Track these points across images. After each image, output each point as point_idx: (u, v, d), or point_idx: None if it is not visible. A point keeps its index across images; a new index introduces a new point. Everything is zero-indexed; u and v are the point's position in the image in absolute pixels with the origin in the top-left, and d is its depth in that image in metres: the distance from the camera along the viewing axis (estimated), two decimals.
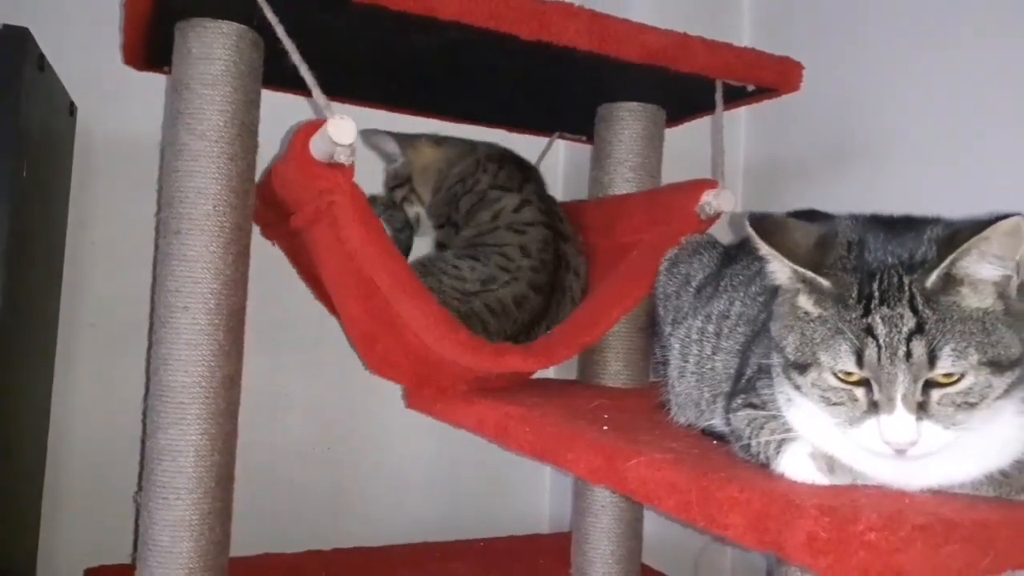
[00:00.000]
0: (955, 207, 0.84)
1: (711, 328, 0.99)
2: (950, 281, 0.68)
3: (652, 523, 1.51)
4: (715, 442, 0.94)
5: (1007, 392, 0.67)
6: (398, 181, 1.60)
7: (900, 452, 0.67)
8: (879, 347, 0.67)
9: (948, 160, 1.31)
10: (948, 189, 1.30)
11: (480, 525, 1.78)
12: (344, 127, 0.98)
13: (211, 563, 1.15)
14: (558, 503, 1.88)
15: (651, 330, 1.18)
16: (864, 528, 0.62)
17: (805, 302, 0.73)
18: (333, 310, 1.36)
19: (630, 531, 1.44)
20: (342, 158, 1.01)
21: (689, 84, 1.34)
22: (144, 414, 1.19)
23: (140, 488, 1.18)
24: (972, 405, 0.66)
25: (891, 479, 0.72)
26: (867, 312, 0.68)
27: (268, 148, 1.30)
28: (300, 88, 1.06)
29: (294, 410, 1.69)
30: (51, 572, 1.45)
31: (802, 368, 0.71)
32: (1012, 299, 0.69)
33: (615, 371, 1.46)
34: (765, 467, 0.78)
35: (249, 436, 1.58)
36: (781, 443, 0.76)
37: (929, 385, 0.67)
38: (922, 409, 0.67)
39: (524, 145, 1.75)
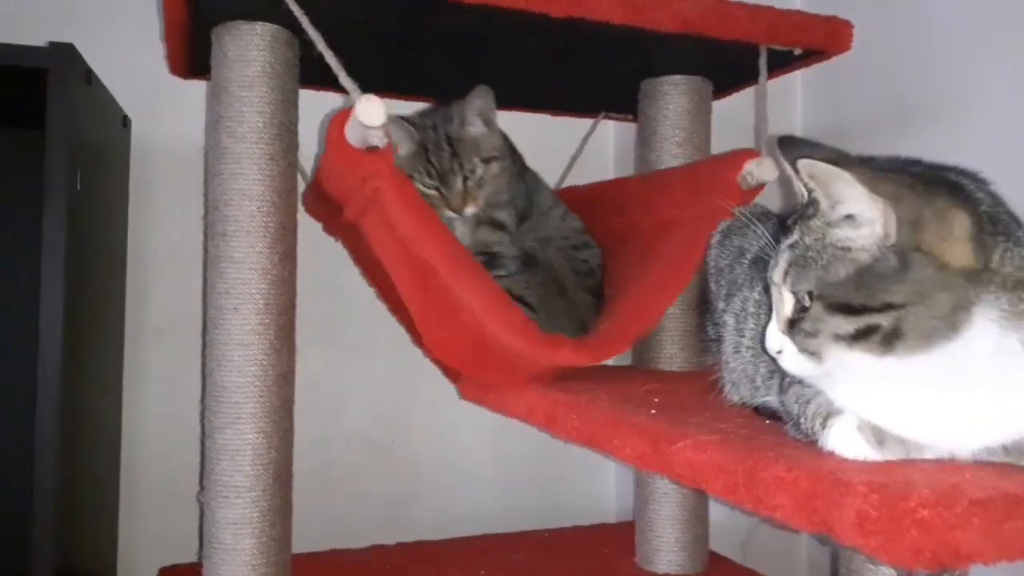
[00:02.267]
0: None
1: (768, 300, 0.95)
2: (828, 220, 0.70)
3: (719, 509, 1.47)
4: (767, 421, 0.90)
5: (857, 339, 0.66)
6: None
7: (777, 360, 0.73)
8: (774, 256, 0.74)
9: (1019, 121, 1.22)
10: (1020, 151, 1.22)
11: (545, 516, 1.76)
12: (372, 109, 0.97)
13: (273, 559, 1.18)
14: (624, 491, 1.85)
15: (703, 307, 1.14)
16: (916, 504, 0.57)
17: None
18: (394, 307, 1.35)
19: (694, 518, 1.41)
20: (375, 141, 1.00)
21: (733, 52, 1.29)
22: (202, 415, 1.22)
23: (202, 487, 1.21)
24: (809, 334, 0.69)
25: (940, 443, 0.68)
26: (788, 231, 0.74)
27: (310, 147, 1.32)
28: (338, 85, 1.06)
29: (355, 406, 1.70)
30: (130, 572, 1.50)
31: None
32: (886, 252, 0.66)
33: (670, 354, 1.43)
34: (814, 444, 0.74)
35: (311, 433, 1.62)
36: (827, 417, 0.72)
37: (802, 307, 0.70)
38: (791, 327, 0.71)
39: (569, 128, 1.73)
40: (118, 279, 1.52)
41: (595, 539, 1.61)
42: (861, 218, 0.67)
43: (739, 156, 1.19)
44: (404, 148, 1.30)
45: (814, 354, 0.69)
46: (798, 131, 1.76)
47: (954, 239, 0.65)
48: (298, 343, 1.28)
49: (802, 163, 0.69)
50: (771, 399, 0.90)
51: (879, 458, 0.69)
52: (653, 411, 0.95)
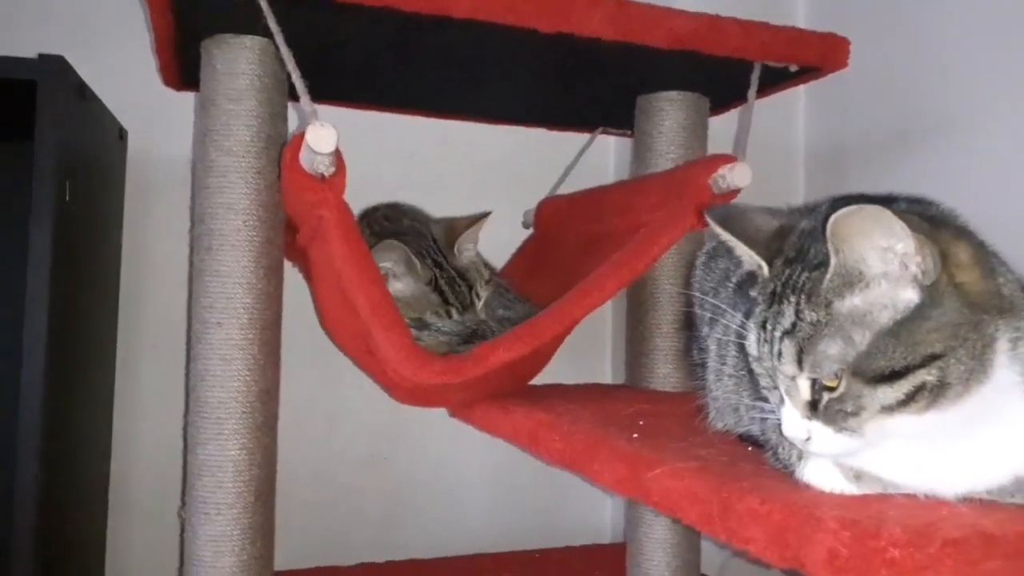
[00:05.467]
0: None
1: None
2: (849, 282, 0.63)
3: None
4: (751, 449, 0.88)
5: (907, 403, 0.61)
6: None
7: (803, 447, 0.66)
8: (765, 342, 0.68)
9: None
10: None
11: (540, 536, 1.74)
12: (323, 135, 0.96)
13: None
14: (620, 512, 1.82)
15: (688, 330, 1.12)
16: (886, 544, 0.55)
17: (754, 289, 0.72)
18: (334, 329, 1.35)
19: (685, 541, 1.38)
20: (322, 168, 0.99)
21: (729, 68, 1.27)
22: (184, 430, 1.21)
23: (183, 504, 1.19)
24: (850, 413, 0.63)
25: (921, 486, 0.65)
26: (769, 305, 0.68)
27: None
28: (332, 99, 1.05)
29: (347, 424, 1.69)
30: None
31: (743, 347, 0.73)
32: (924, 294, 0.62)
33: (664, 374, 1.40)
34: (791, 476, 0.72)
35: (303, 451, 1.62)
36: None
37: (824, 386, 0.64)
38: (813, 408, 0.65)
39: (567, 143, 1.72)
40: (111, 292, 1.52)
41: (586, 560, 1.59)
42: (895, 264, 0.62)
43: (713, 161, 1.18)
44: (409, 285, 1.30)
45: (854, 431, 0.63)
46: (800, 147, 1.74)
47: (965, 266, 0.64)
48: (290, 360, 1.27)
49: (841, 216, 0.60)
50: (754, 428, 0.88)
51: (855, 492, 0.67)
52: (635, 435, 0.93)
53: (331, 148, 0.96)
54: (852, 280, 0.63)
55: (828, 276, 0.64)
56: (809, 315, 0.64)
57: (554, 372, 1.44)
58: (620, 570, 1.46)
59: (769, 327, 0.67)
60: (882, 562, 0.55)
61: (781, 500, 0.66)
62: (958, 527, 0.58)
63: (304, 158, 0.99)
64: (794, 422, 0.66)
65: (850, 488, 0.67)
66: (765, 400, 0.84)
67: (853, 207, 0.60)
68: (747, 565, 1.42)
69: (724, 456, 0.83)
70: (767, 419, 0.74)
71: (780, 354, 0.66)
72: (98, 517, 1.47)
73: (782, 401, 0.68)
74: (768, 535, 0.65)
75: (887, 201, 0.71)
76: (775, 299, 0.68)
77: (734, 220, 0.75)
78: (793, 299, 0.66)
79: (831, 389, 0.63)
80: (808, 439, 0.65)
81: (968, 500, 0.65)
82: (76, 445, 1.31)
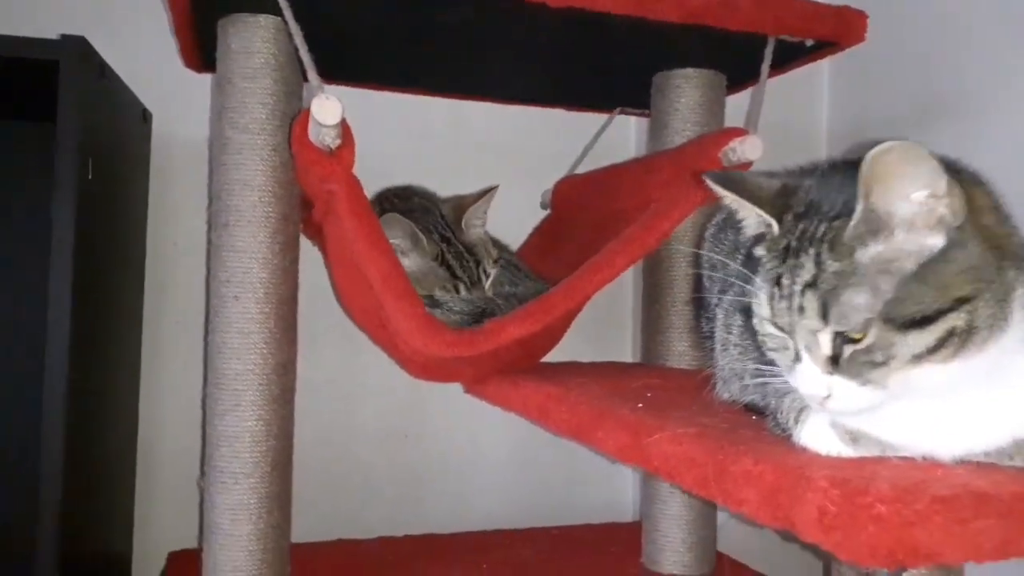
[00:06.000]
0: None
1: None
2: (874, 229, 0.61)
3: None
4: (754, 417, 0.87)
5: (937, 350, 0.59)
6: None
7: (821, 405, 0.64)
8: (782, 298, 0.66)
9: None
10: None
11: (561, 513, 1.75)
12: (328, 107, 0.97)
13: (271, 546, 1.18)
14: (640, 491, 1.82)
15: (697, 303, 1.12)
16: (873, 499, 0.55)
17: (759, 249, 0.70)
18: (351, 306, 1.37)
19: (701, 518, 1.38)
20: (328, 140, 1.00)
21: (745, 44, 1.26)
22: (203, 402, 1.23)
23: (203, 473, 1.22)
24: (877, 364, 0.61)
25: (918, 447, 0.64)
26: (783, 260, 0.66)
27: None
28: (345, 80, 1.05)
29: (370, 400, 1.70)
30: (145, 555, 1.53)
31: (750, 315, 0.71)
32: (952, 236, 0.61)
33: (680, 352, 1.40)
34: (789, 440, 0.72)
35: (326, 427, 1.64)
36: (800, 411, 0.70)
37: (845, 339, 0.62)
38: (834, 363, 0.63)
39: (586, 124, 1.72)
40: (136, 270, 1.55)
41: (604, 537, 1.59)
42: (926, 206, 0.60)
43: (724, 134, 1.17)
44: (416, 261, 1.31)
45: (879, 384, 0.62)
46: (823, 125, 1.72)
47: (986, 210, 0.64)
48: (311, 338, 1.29)
49: (880, 153, 0.59)
50: (756, 396, 0.88)
51: (852, 455, 0.67)
52: (640, 405, 0.93)
53: (336, 120, 0.97)
54: (879, 225, 0.61)
55: (853, 223, 0.62)
56: (832, 265, 0.62)
57: (574, 351, 1.45)
58: (637, 548, 1.47)
59: (786, 282, 0.65)
60: (868, 518, 0.55)
61: (774, 461, 0.66)
62: (949, 486, 0.58)
63: (311, 131, 1.00)
64: (814, 379, 0.64)
65: (847, 451, 0.67)
66: (769, 364, 0.84)
67: (890, 143, 0.58)
68: (745, 530, 1.41)
69: (725, 423, 0.83)
70: (768, 383, 0.74)
71: (802, 308, 0.64)
72: (126, 487, 1.51)
73: (796, 359, 0.66)
74: (761, 496, 0.65)
75: None
76: (790, 254, 0.66)
77: (735, 182, 0.74)
78: (812, 251, 0.64)
79: (854, 341, 0.61)
80: (828, 396, 0.63)
81: (966, 463, 0.64)
82: (103, 419, 1.34)
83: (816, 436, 0.68)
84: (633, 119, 1.82)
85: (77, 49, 1.16)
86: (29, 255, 1.50)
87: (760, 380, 0.79)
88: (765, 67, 1.23)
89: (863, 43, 1.31)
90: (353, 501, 1.67)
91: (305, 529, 1.39)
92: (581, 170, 1.68)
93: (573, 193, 1.58)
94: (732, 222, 1.07)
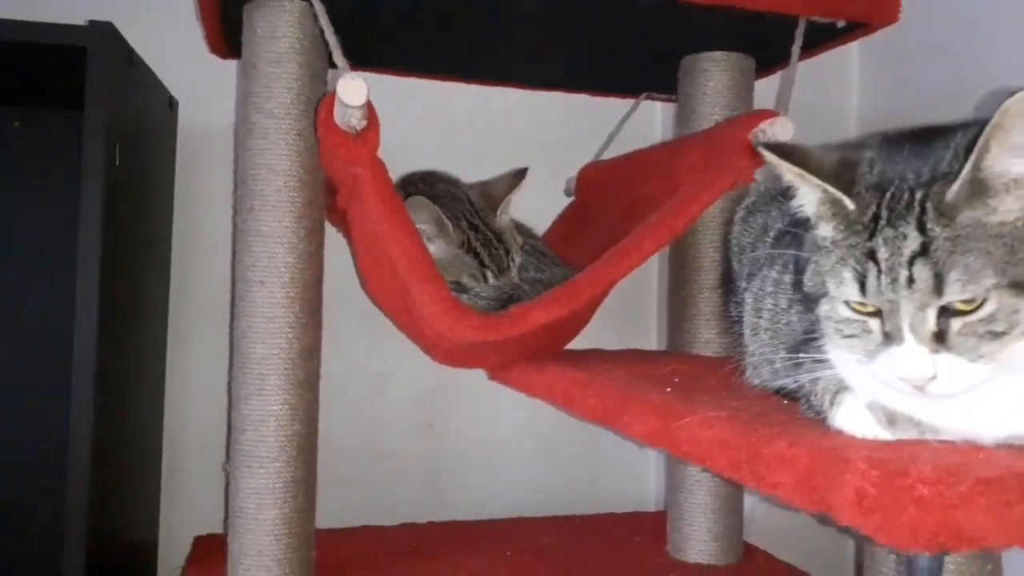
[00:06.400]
0: None
1: (788, 278, 0.91)
2: (979, 191, 0.58)
3: (755, 498, 1.42)
4: (785, 402, 0.86)
5: None
6: None
7: (919, 389, 0.59)
8: (880, 272, 0.60)
9: None
10: None
11: (584, 502, 1.74)
12: (353, 87, 0.96)
13: (296, 530, 1.18)
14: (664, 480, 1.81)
15: (725, 287, 1.10)
16: (915, 481, 0.54)
17: (825, 228, 0.65)
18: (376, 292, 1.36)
19: (727, 507, 1.37)
20: (353, 121, 0.99)
21: (775, 26, 1.24)
22: (229, 386, 1.24)
23: (228, 458, 1.23)
24: (998, 334, 0.57)
25: (960, 429, 0.63)
26: (872, 234, 0.61)
27: None
28: (369, 66, 1.05)
29: (395, 387, 1.70)
30: (171, 540, 1.54)
31: (817, 301, 0.66)
32: None
33: (706, 339, 1.39)
34: (824, 423, 0.70)
35: (351, 414, 1.64)
36: (836, 393, 0.68)
37: (950, 313, 0.58)
38: (940, 340, 0.59)
39: (610, 110, 1.70)
40: (162, 257, 1.56)
41: (628, 526, 1.58)
42: None
43: (754, 116, 1.16)
44: (441, 248, 1.30)
45: (990, 359, 0.58)
46: (853, 111, 1.70)
47: None
48: (337, 326, 1.28)
49: (1016, 100, 0.55)
50: (787, 381, 0.86)
51: (889, 438, 0.65)
52: (668, 389, 0.92)
53: (362, 100, 0.97)
54: (990, 184, 0.58)
55: (958, 185, 0.59)
56: (942, 231, 0.58)
57: (598, 339, 1.44)
58: (661, 536, 1.46)
59: (884, 255, 0.60)
60: (910, 500, 0.54)
61: (809, 443, 0.64)
62: (993, 468, 0.56)
63: (337, 113, 1.00)
64: (918, 360, 0.59)
65: (884, 434, 0.65)
66: (796, 351, 0.82)
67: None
68: (772, 519, 1.39)
69: (756, 407, 0.81)
70: (801, 365, 0.72)
71: (911, 281, 0.59)
72: (153, 472, 1.52)
73: (887, 341, 0.61)
74: (796, 478, 0.63)
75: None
76: (880, 226, 0.61)
77: (795, 154, 0.67)
78: (911, 219, 0.60)
79: (962, 313, 0.58)
80: (933, 377, 0.59)
81: (1008, 447, 0.63)
82: (129, 404, 1.35)
83: (852, 418, 0.67)
84: (659, 104, 1.80)
85: (105, 35, 1.16)
86: (57, 243, 1.51)
87: (793, 362, 0.78)
88: (796, 48, 1.21)
89: (893, 26, 1.29)
90: (377, 488, 1.67)
91: (329, 515, 1.40)
92: (606, 157, 1.67)
93: (598, 179, 1.57)
94: (760, 205, 1.05)
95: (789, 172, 0.67)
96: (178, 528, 1.54)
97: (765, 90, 1.44)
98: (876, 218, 0.62)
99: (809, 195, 0.68)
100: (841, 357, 0.67)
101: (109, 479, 1.20)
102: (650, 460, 1.85)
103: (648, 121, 1.80)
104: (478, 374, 1.64)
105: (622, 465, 1.83)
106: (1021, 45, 1.26)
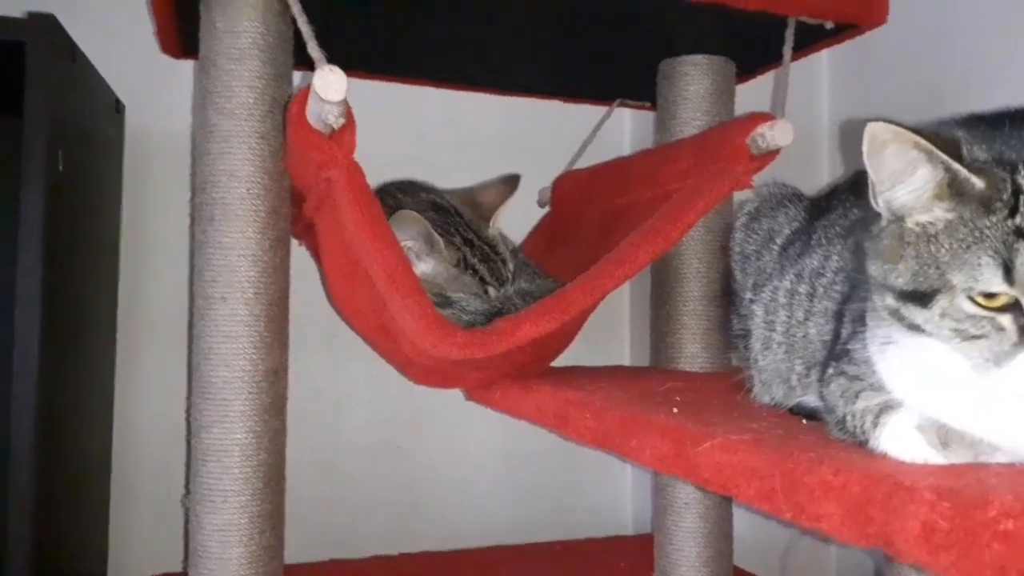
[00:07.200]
0: None
1: (802, 289, 0.85)
2: None
3: (744, 522, 1.36)
4: (804, 421, 0.80)
5: None
6: None
7: None
8: None
9: None
10: None
11: (557, 526, 1.67)
12: (332, 80, 0.88)
13: (263, 570, 1.09)
14: (641, 501, 1.75)
15: (727, 299, 1.04)
16: (998, 514, 0.48)
17: (938, 210, 0.57)
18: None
19: (717, 530, 1.31)
20: (331, 119, 0.91)
21: (759, 28, 1.20)
22: (188, 412, 1.14)
23: (188, 491, 1.12)
24: None
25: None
26: (1013, 211, 0.53)
27: None
28: (348, 69, 0.96)
29: (359, 411, 1.62)
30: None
31: (924, 298, 0.56)
32: None
33: (692, 354, 1.33)
34: (864, 446, 0.64)
35: (313, 439, 1.55)
36: (880, 413, 0.62)
37: None
38: None
39: (580, 118, 1.65)
40: (109, 269, 1.45)
41: (610, 552, 1.52)
42: None
43: (752, 120, 1.11)
44: (432, 266, 1.21)
45: None
46: (824, 116, 1.67)
47: None
48: (299, 344, 1.20)
49: None
50: (809, 398, 0.81)
51: (942, 462, 0.59)
52: (675, 410, 0.86)
53: (340, 96, 0.88)
54: None
55: None
56: None
57: (571, 356, 1.37)
58: (645, 562, 1.39)
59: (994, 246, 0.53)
60: (993, 535, 0.47)
61: (859, 470, 0.58)
62: None
63: (311, 110, 0.91)
64: None
65: (936, 457, 0.59)
66: (820, 366, 0.77)
67: None
68: (819, 546, 1.33)
69: (779, 428, 0.75)
70: (833, 381, 0.66)
71: None
72: (100, 506, 1.41)
73: None
74: (845, 509, 0.57)
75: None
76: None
77: (916, 129, 0.57)
78: None
79: None
80: None
81: None
82: (75, 431, 1.24)
83: (900, 441, 0.61)
84: (628, 113, 1.76)
85: (46, 29, 1.07)
86: None
87: (822, 378, 0.72)
88: (787, 49, 1.17)
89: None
90: (342, 518, 1.58)
91: (292, 548, 1.30)
92: (576, 167, 1.61)
93: (577, 189, 1.51)
94: (764, 211, 1.00)
95: (916, 148, 0.57)
96: (129, 567, 1.42)
97: (743, 97, 1.41)
98: (1017, 193, 0.54)
99: (925, 177, 0.58)
100: (892, 367, 0.61)
101: (52, 515, 1.10)
102: (626, 481, 1.80)
103: (617, 129, 1.76)
104: (446, 394, 1.57)
105: (596, 487, 1.77)
106: (993, 48, 1.24)
